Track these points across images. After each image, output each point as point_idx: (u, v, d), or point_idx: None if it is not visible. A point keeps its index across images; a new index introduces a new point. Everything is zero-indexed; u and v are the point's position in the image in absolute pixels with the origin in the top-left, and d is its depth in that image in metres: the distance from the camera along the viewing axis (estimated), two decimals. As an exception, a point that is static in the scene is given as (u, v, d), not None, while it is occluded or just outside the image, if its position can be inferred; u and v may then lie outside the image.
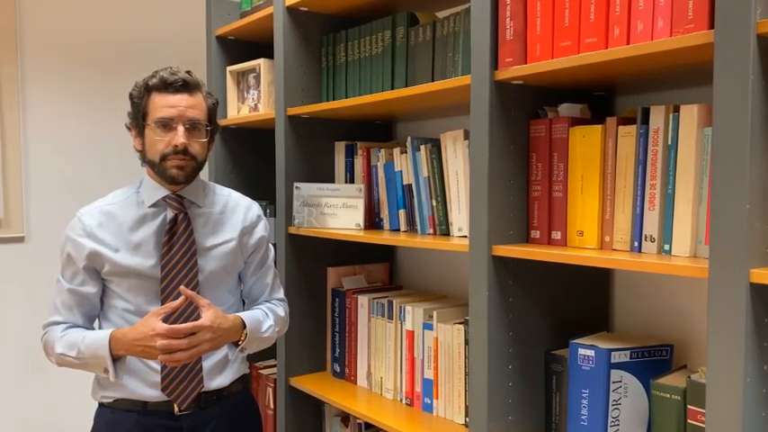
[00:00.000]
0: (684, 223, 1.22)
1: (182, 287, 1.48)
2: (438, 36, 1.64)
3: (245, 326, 1.56)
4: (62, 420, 2.52)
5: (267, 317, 1.65)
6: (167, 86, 1.50)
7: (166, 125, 1.50)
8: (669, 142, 1.24)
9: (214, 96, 1.61)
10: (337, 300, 2.05)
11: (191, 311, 1.51)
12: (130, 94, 1.55)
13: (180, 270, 1.53)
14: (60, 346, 1.52)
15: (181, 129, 1.50)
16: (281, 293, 1.76)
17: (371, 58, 1.83)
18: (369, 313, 1.94)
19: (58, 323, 1.56)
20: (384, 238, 1.73)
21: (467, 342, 1.63)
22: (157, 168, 1.53)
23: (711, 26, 1.07)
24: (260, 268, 1.70)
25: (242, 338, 1.56)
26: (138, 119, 1.53)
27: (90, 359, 1.49)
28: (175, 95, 1.50)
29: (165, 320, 1.44)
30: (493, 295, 1.42)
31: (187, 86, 1.52)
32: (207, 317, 1.46)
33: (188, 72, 1.54)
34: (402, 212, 1.84)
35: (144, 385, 1.53)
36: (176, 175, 1.52)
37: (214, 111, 1.59)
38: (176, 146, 1.49)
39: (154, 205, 1.56)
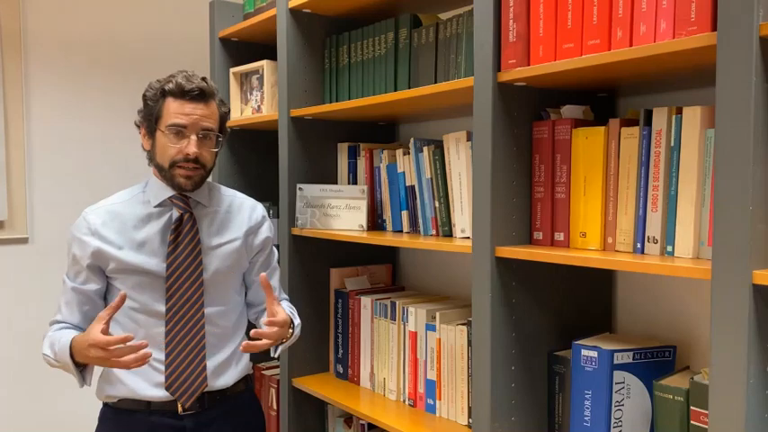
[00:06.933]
0: (687, 225, 1.22)
1: (262, 275, 1.48)
2: (441, 38, 1.65)
3: (292, 323, 1.60)
4: (65, 421, 2.53)
5: (294, 315, 1.68)
6: (184, 94, 1.50)
7: (179, 133, 1.50)
8: (672, 144, 1.24)
9: (227, 104, 1.61)
10: (340, 301, 2.05)
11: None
12: (144, 95, 1.55)
13: (185, 269, 1.54)
14: (44, 346, 1.55)
15: (194, 138, 1.50)
16: (285, 295, 1.77)
17: (374, 60, 1.84)
18: (372, 314, 1.94)
19: (58, 322, 1.58)
20: (387, 239, 1.74)
21: (470, 343, 1.63)
22: (165, 174, 1.54)
23: (714, 28, 1.07)
24: (265, 269, 1.71)
25: (287, 336, 1.58)
26: (151, 121, 1.53)
27: (62, 362, 1.50)
28: (191, 104, 1.50)
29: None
30: (496, 296, 1.42)
31: (203, 95, 1.52)
32: (282, 311, 1.50)
33: (203, 79, 1.54)
34: (405, 214, 1.84)
35: (148, 385, 1.54)
36: (184, 184, 1.53)
37: (225, 119, 1.60)
38: (187, 154, 1.50)
39: (159, 205, 1.57)
